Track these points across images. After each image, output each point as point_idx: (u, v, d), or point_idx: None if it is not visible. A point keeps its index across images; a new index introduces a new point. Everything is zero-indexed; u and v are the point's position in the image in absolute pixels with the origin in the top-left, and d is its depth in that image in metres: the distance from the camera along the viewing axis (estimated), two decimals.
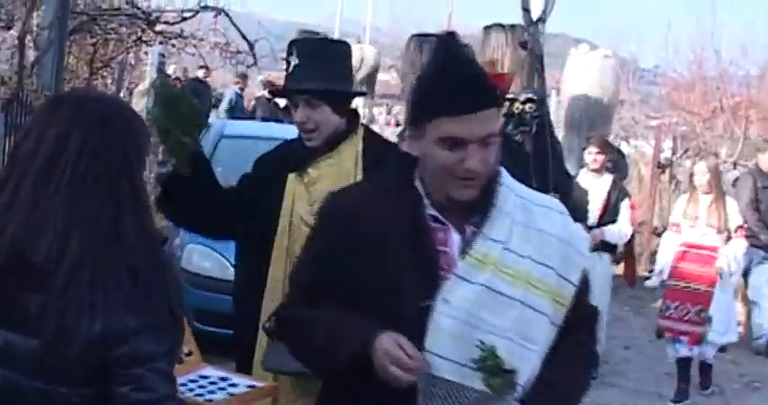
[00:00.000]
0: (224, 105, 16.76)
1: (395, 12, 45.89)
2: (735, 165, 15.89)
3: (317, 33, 16.25)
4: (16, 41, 9.91)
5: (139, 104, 18.14)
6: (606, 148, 8.97)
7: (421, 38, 11.56)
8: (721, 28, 20.95)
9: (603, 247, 8.77)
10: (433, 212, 2.45)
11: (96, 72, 13.32)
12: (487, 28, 11.86)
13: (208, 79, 17.33)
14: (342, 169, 3.58)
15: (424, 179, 2.46)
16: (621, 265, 10.63)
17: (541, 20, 8.63)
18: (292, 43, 3.82)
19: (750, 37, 21.21)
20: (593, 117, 11.73)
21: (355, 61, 18.58)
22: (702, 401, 8.83)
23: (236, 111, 16.26)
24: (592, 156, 8.64)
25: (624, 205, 8.85)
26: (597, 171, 8.71)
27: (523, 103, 5.66)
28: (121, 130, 2.28)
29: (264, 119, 14.64)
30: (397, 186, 2.50)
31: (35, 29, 9.11)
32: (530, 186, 5.31)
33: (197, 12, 10.55)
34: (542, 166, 5.61)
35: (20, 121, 7.64)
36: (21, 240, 2.13)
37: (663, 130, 17.37)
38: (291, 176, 3.65)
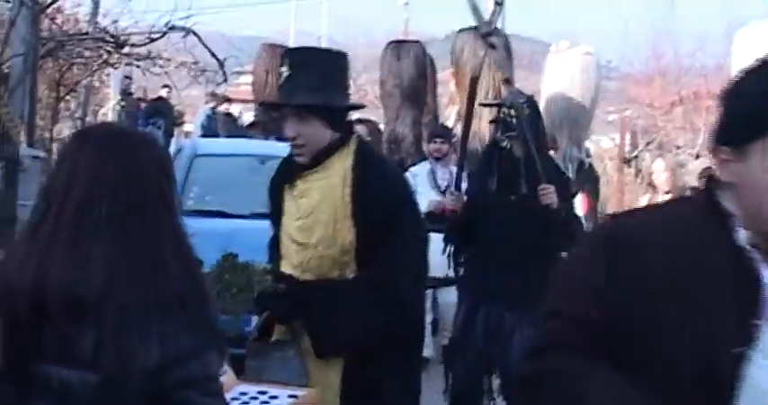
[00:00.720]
0: (197, 123, 16.76)
1: (348, 23, 45.85)
2: (697, 156, 16.11)
3: (283, 47, 16.21)
4: None
5: None
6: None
7: (398, 44, 11.64)
8: (678, 22, 21.25)
9: None
10: (749, 246, 1.99)
11: (62, 97, 13.31)
12: (458, 32, 11.84)
13: (170, 97, 17.34)
14: (329, 184, 3.39)
15: (739, 207, 1.99)
16: None
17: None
18: (284, 53, 3.68)
19: (706, 30, 21.47)
20: (577, 117, 11.49)
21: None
22: None
23: (208, 130, 16.30)
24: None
25: (578, 200, 8.22)
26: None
27: (509, 107, 5.58)
28: (150, 160, 2.29)
29: (231, 135, 14.65)
30: (701, 214, 2.06)
31: (7, 61, 9.13)
32: (519, 192, 5.32)
33: (164, 33, 10.57)
34: (532, 171, 5.40)
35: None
36: (66, 276, 2.11)
37: (626, 124, 17.55)
38: (286, 187, 3.54)
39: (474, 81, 5.87)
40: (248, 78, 18.57)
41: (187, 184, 7.96)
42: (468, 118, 5.91)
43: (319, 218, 3.37)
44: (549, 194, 5.25)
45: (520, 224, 5.32)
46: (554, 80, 11.85)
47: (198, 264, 2.35)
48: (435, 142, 8.24)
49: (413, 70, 11.15)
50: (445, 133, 8.67)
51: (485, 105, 5.50)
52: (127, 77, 17.53)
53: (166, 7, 11.10)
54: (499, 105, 5.70)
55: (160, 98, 17.82)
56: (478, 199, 5.64)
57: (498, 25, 10.51)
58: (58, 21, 11.91)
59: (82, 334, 2.10)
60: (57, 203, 2.20)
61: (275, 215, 3.58)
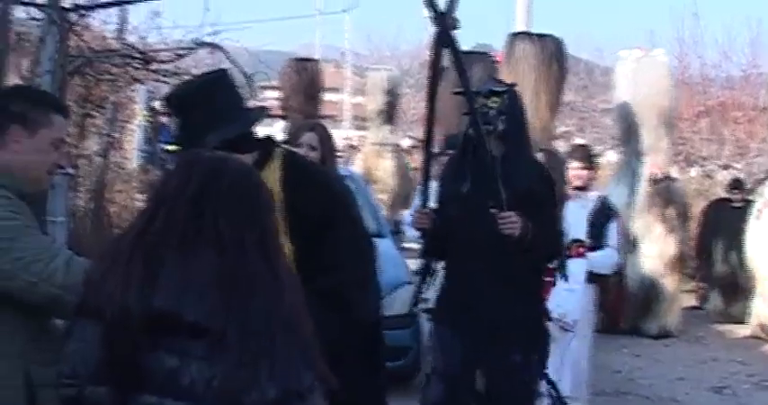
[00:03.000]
0: None
1: (372, 36, 45.96)
2: (726, 167, 16.01)
3: (310, 60, 16.27)
4: None
5: (131, 143, 18.21)
6: (590, 162, 8.04)
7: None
8: (703, 32, 21.19)
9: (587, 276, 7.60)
10: None
11: (90, 113, 13.35)
12: (513, 36, 11.75)
13: None
14: None
15: None
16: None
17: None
18: (166, 100, 3.62)
19: (731, 40, 21.35)
20: (657, 125, 11.17)
21: (376, 84, 18.40)
22: (716, 401, 8.91)
23: None
24: (574, 171, 7.78)
25: (612, 228, 7.80)
26: (581, 188, 7.82)
27: (486, 96, 4.90)
28: (256, 183, 2.32)
29: None
30: None
31: (36, 78, 9.17)
32: (496, 196, 4.57)
33: (192, 49, 10.60)
34: (510, 171, 4.70)
35: None
36: (175, 301, 2.07)
37: None
38: None
39: (435, 65, 5.01)
40: (275, 93, 18.62)
41: None
42: (430, 110, 5.01)
43: None
44: (509, 224, 4.64)
45: (498, 235, 4.70)
46: (628, 88, 11.53)
47: (301, 290, 2.32)
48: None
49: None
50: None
51: (457, 93, 5.05)
52: (150, 92, 17.59)
53: (193, 23, 11.16)
54: (475, 94, 4.95)
55: None
56: (448, 207, 5.00)
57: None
58: (86, 38, 11.95)
59: (190, 364, 2.06)
60: (161, 225, 2.18)
61: None
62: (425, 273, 5.10)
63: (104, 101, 13.78)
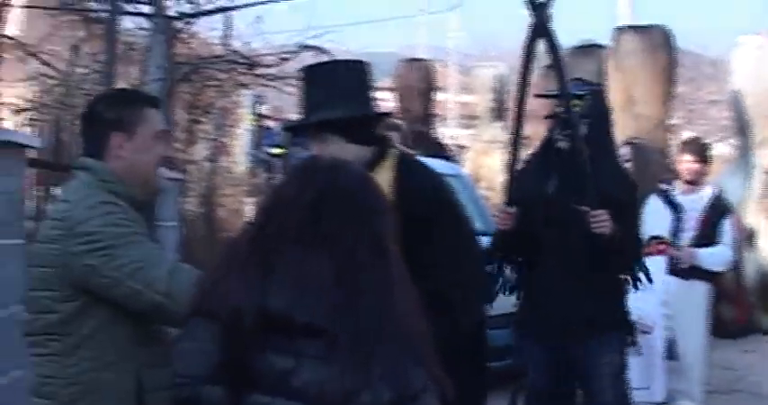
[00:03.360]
0: None
1: (477, 35, 45.77)
2: None
3: (421, 60, 16.26)
4: None
5: (240, 146, 18.44)
6: (704, 155, 7.52)
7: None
8: None
9: (698, 274, 7.21)
10: None
11: (198, 119, 13.56)
12: (618, 30, 11.55)
13: None
14: None
15: None
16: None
17: None
18: (300, 72, 3.51)
19: None
20: None
21: (486, 82, 18.04)
22: None
23: None
24: (686, 165, 7.33)
25: (727, 224, 7.33)
26: (693, 183, 7.33)
27: (567, 99, 4.67)
28: (368, 196, 2.27)
29: None
30: None
31: (143, 84, 9.35)
32: (587, 196, 4.37)
33: (295, 53, 10.69)
34: (594, 175, 4.51)
35: None
36: (290, 301, 2.05)
37: None
38: None
39: (526, 66, 4.74)
40: (381, 94, 18.66)
41: None
42: (519, 106, 4.75)
43: None
44: (601, 222, 4.45)
45: (587, 236, 4.51)
46: (750, 76, 11.10)
47: (417, 296, 2.29)
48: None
49: None
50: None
51: (539, 96, 4.83)
52: (259, 97, 17.80)
53: (297, 27, 11.25)
54: (555, 97, 4.75)
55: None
56: (532, 208, 4.73)
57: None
58: (192, 45, 12.14)
59: (303, 365, 2.03)
60: (278, 224, 2.17)
61: None
62: (498, 275, 4.81)
63: (211, 106, 13.98)
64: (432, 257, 3.20)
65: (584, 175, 4.51)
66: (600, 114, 4.75)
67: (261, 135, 19.25)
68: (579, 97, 4.67)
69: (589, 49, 11.84)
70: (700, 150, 7.53)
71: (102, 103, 3.17)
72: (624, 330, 4.89)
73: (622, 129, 10.95)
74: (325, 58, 11.86)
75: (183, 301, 2.68)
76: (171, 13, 9.55)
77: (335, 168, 2.30)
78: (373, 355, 2.02)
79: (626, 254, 4.65)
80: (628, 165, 6.76)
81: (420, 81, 17.68)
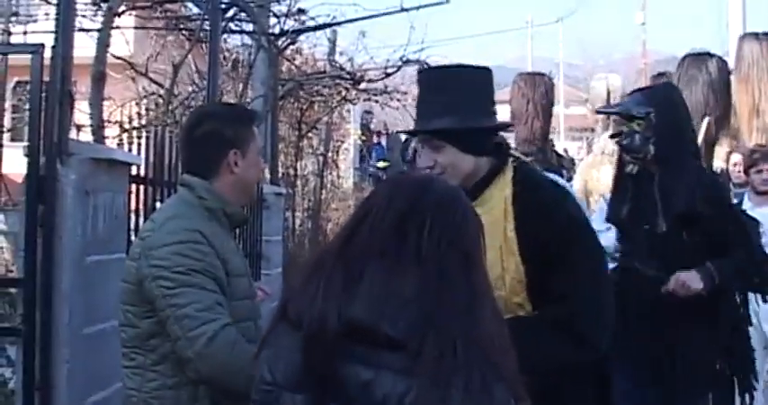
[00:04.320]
0: None
1: (584, 45, 45.34)
2: None
3: (542, 74, 16.04)
4: None
5: (346, 161, 18.56)
6: None
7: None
8: None
9: None
10: None
11: (304, 134, 13.68)
12: (741, 37, 11.21)
13: None
14: (490, 220, 2.89)
15: None
16: None
17: None
18: (419, 75, 3.33)
19: None
20: None
21: (602, 93, 17.37)
22: None
23: None
24: (761, 175, 6.74)
25: None
26: (765, 194, 6.73)
27: (629, 119, 4.41)
28: (458, 211, 2.23)
29: None
30: None
31: (248, 100, 9.47)
32: (656, 225, 4.12)
33: (399, 67, 10.71)
34: (669, 195, 4.28)
35: None
36: (373, 312, 2.03)
37: None
38: None
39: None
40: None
41: None
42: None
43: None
44: (682, 286, 4.15)
45: (660, 264, 4.25)
46: None
47: (502, 315, 2.27)
48: None
49: None
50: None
51: (600, 113, 4.55)
52: (367, 112, 17.91)
53: (400, 42, 11.28)
54: (618, 114, 4.51)
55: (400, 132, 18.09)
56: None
57: None
58: (297, 62, 12.27)
59: (384, 376, 2.02)
60: (365, 237, 2.16)
61: None
62: None
63: (318, 122, 14.10)
64: (562, 284, 3.00)
65: (653, 198, 4.34)
66: (667, 132, 4.39)
67: (368, 149, 19.37)
68: (640, 118, 4.39)
69: (701, 58, 11.54)
70: None
71: (217, 121, 3.18)
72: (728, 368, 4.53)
73: (749, 142, 10.65)
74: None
75: (212, 367, 2.83)
76: (274, 30, 9.66)
77: (424, 182, 2.28)
78: (455, 373, 1.98)
79: (738, 282, 4.40)
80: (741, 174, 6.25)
81: (542, 96, 17.32)
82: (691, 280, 4.16)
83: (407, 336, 2.01)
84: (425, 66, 11.13)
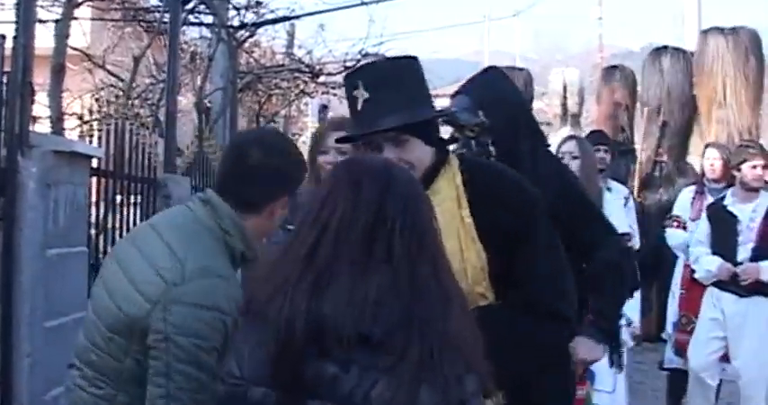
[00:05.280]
0: None
1: (542, 40, 45.52)
2: None
3: (521, 69, 15.71)
4: (187, 107, 10.29)
5: (304, 154, 18.51)
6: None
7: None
8: None
9: (761, 288, 6.46)
10: None
11: (277, 131, 13.60)
12: (704, 32, 11.22)
13: None
14: (444, 209, 2.87)
15: None
16: None
17: None
18: (353, 75, 3.13)
19: None
20: None
21: (559, 87, 17.01)
22: None
23: None
24: (755, 170, 6.62)
25: None
26: (755, 190, 6.67)
27: (462, 129, 4.12)
28: (419, 203, 2.23)
29: None
30: None
31: (207, 93, 9.43)
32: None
33: (358, 60, 10.68)
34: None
35: (202, 185, 7.86)
36: (348, 312, 2.03)
37: None
38: None
39: None
40: (444, 101, 18.56)
41: None
42: None
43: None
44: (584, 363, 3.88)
45: None
46: None
47: (467, 304, 2.28)
48: (598, 150, 6.78)
49: None
50: (606, 139, 7.34)
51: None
52: (324, 106, 17.87)
53: (359, 35, 11.26)
54: (448, 124, 4.10)
55: None
56: None
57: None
58: (255, 54, 12.22)
59: (349, 372, 2.03)
60: (334, 235, 2.12)
61: None
62: None
63: (276, 115, 14.05)
64: (524, 269, 2.97)
65: None
66: (504, 128, 4.05)
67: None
68: (470, 127, 4.07)
69: (658, 52, 11.62)
70: (765, 154, 6.85)
71: (289, 160, 2.85)
72: None
73: (708, 135, 10.72)
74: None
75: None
76: (233, 22, 9.62)
77: (386, 175, 2.23)
78: (423, 367, 2.00)
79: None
80: (575, 162, 6.14)
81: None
82: (592, 353, 3.86)
83: (374, 332, 2.02)
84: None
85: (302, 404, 2.06)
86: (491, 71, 4.36)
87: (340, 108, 18.89)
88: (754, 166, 6.63)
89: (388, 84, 2.96)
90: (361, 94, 2.95)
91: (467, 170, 3.06)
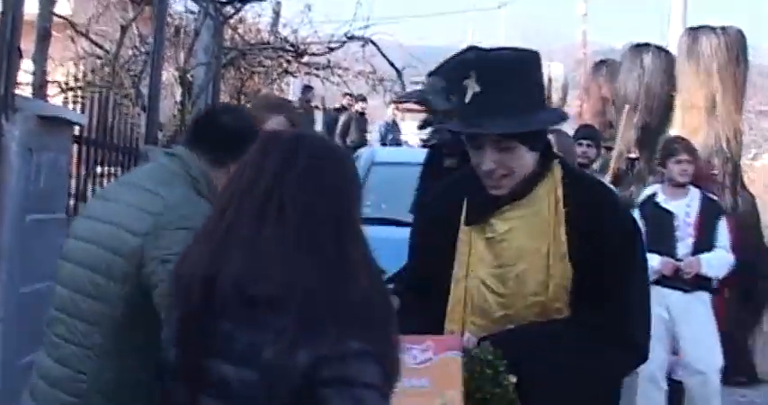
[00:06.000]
0: (375, 132, 17.02)
1: (526, 34, 45.56)
2: None
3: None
4: (169, 80, 10.24)
5: None
6: (696, 154, 6.89)
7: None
8: None
9: (702, 283, 6.54)
10: None
11: (243, 105, 13.58)
12: (693, 30, 11.15)
13: (355, 107, 17.53)
14: (539, 220, 2.78)
15: None
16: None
17: None
18: (467, 62, 2.90)
19: None
20: None
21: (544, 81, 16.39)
22: None
23: (386, 138, 16.54)
24: (681, 165, 6.61)
25: (722, 224, 6.68)
26: (682, 186, 6.67)
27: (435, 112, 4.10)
28: (340, 170, 2.28)
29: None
30: None
31: (190, 68, 9.37)
32: None
33: (343, 43, 10.67)
34: None
35: None
36: (241, 273, 2.12)
37: None
38: (466, 229, 2.85)
39: None
40: None
41: (363, 191, 7.98)
42: None
43: (529, 265, 2.77)
44: None
45: None
46: None
47: (381, 276, 2.32)
48: (581, 144, 6.77)
49: None
50: (593, 134, 7.34)
51: (397, 102, 3.78)
52: (308, 87, 17.82)
53: (345, 18, 11.23)
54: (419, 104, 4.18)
55: (342, 107, 18.07)
56: None
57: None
58: (240, 31, 12.16)
59: (242, 330, 2.11)
60: (237, 201, 2.21)
61: (430, 254, 2.94)
62: None
63: (257, 93, 14.00)
64: (615, 291, 2.77)
65: None
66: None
67: (307, 123, 19.25)
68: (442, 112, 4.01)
69: (638, 49, 11.61)
70: (693, 149, 6.91)
71: (253, 127, 3.11)
72: None
73: (707, 134, 10.64)
74: (373, 50, 11.86)
75: None
76: None
77: (294, 144, 2.29)
78: (304, 327, 2.06)
79: None
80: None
81: None
82: None
83: (264, 294, 2.09)
84: (370, 43, 11.14)
85: (199, 363, 2.13)
86: (470, 51, 3.97)
87: (321, 89, 18.87)
88: (679, 162, 6.59)
89: (504, 81, 2.73)
90: (473, 86, 2.73)
91: (570, 182, 2.85)
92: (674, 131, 10.20)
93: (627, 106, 11.01)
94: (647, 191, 7.08)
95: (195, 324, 2.16)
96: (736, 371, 8.15)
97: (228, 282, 2.12)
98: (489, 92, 2.71)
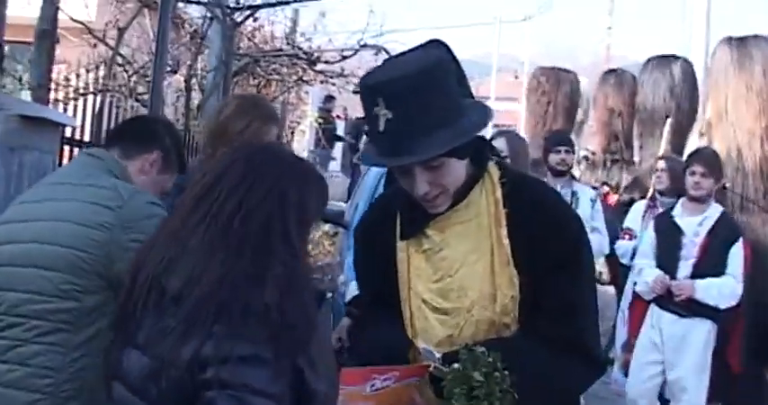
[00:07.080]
0: None
1: (551, 46, 45.41)
2: None
3: (567, 71, 14.10)
4: (182, 85, 10.27)
5: (301, 143, 18.48)
6: (717, 168, 6.33)
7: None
8: None
9: (700, 310, 6.01)
10: None
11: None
12: (740, 40, 10.98)
13: None
14: (477, 227, 2.62)
15: None
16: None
17: None
18: (370, 90, 2.46)
19: None
20: None
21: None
22: None
23: None
24: (694, 177, 6.12)
25: (736, 250, 6.08)
26: (699, 200, 6.18)
27: None
28: (291, 185, 2.31)
29: None
30: None
31: (200, 72, 9.39)
32: None
33: (356, 51, 10.66)
34: None
35: (187, 161, 7.82)
36: (165, 270, 2.21)
37: None
38: (402, 245, 2.68)
39: None
40: None
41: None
42: None
43: (471, 273, 2.61)
44: None
45: None
46: None
47: (315, 300, 2.36)
48: (559, 151, 6.54)
49: None
50: (568, 140, 6.94)
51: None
52: (330, 97, 17.79)
53: (359, 26, 11.22)
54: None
55: (361, 118, 18.07)
56: None
57: None
58: (257, 39, 12.19)
59: (150, 319, 2.18)
60: (189, 203, 2.30)
61: (374, 277, 2.79)
62: None
63: (274, 101, 14.02)
64: (564, 298, 2.62)
65: None
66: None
67: (327, 132, 19.23)
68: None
69: (665, 61, 11.45)
70: (712, 162, 6.34)
71: (167, 126, 3.40)
72: None
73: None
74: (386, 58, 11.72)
75: None
76: (230, 2, 9.57)
77: (246, 152, 2.38)
78: (194, 321, 2.10)
79: None
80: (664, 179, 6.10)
81: (565, 97, 13.97)
82: None
83: (172, 288, 2.16)
84: (383, 51, 11.09)
85: (121, 352, 2.22)
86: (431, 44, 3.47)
87: (341, 99, 18.87)
88: (693, 173, 6.15)
89: (413, 100, 2.45)
90: (384, 113, 2.45)
91: (508, 182, 2.68)
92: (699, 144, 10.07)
93: (669, 119, 10.80)
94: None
95: (123, 312, 2.26)
96: None
97: (150, 273, 2.21)
98: (401, 116, 2.44)
